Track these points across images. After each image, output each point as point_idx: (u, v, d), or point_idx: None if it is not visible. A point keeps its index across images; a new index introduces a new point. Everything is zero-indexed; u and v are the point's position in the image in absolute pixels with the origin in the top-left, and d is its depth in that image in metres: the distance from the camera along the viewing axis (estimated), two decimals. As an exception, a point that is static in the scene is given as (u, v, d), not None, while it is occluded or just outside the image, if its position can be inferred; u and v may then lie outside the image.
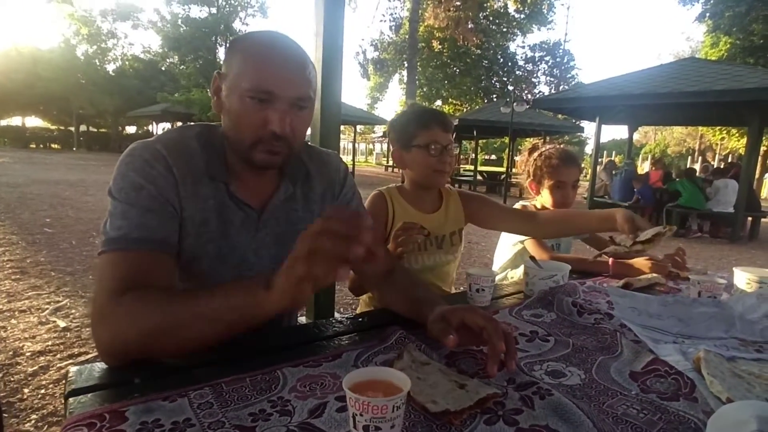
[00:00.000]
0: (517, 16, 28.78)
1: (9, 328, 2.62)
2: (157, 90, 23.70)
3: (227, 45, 0.95)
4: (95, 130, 30.18)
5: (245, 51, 0.82)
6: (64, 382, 0.89)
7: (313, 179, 1.01)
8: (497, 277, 1.77)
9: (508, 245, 1.76)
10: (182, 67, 29.07)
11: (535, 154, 1.78)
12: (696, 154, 32.97)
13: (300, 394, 0.63)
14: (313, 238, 0.59)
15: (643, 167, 16.22)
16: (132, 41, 46.83)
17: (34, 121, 31.09)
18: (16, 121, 30.07)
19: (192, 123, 0.95)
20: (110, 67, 29.80)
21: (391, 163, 25.99)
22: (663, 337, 0.91)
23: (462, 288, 1.40)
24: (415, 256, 1.43)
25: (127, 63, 30.42)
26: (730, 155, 24.79)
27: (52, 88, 24.18)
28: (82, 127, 29.03)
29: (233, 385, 0.64)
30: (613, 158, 14.95)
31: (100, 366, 0.69)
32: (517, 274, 1.71)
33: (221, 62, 0.88)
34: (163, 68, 30.29)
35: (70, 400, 0.59)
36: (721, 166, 10.41)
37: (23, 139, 27.24)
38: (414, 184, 1.44)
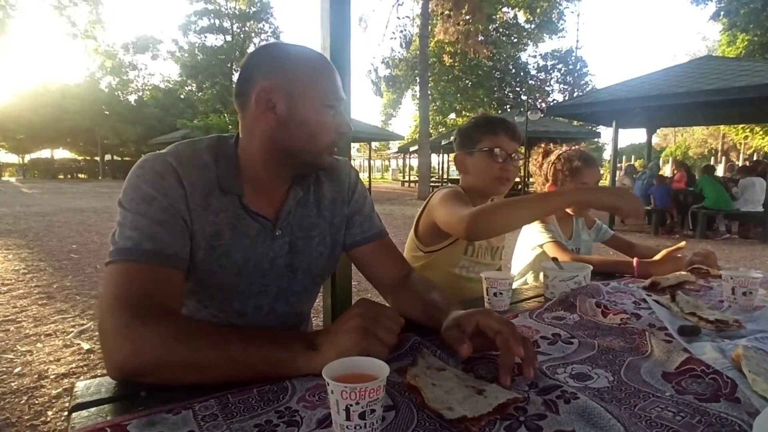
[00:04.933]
0: (527, 26, 28.81)
1: (35, 351, 2.66)
2: (177, 117, 24.45)
3: (263, 55, 0.88)
4: (119, 158, 31.20)
5: (307, 64, 0.86)
6: (69, 396, 0.88)
7: (324, 185, 1.00)
8: (516, 283, 1.71)
9: (526, 249, 1.71)
10: (200, 93, 29.94)
11: (552, 158, 1.74)
12: (719, 154, 32.07)
13: (308, 404, 0.60)
14: (371, 319, 0.68)
15: (664, 170, 15.81)
16: (152, 71, 48.53)
17: (61, 153, 32.44)
18: (45, 153, 31.39)
19: (202, 136, 0.94)
20: (132, 98, 30.92)
21: (407, 178, 26.01)
22: (697, 337, 0.85)
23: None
24: (477, 266, 1.42)
25: (147, 93, 31.50)
26: (755, 154, 24.05)
27: (79, 120, 25.19)
28: (107, 157, 30.07)
29: (239, 396, 0.62)
30: (632, 162, 14.62)
31: (105, 380, 0.67)
32: (539, 279, 1.66)
33: (254, 77, 0.84)
34: (181, 96, 31.26)
35: (74, 414, 0.57)
36: (747, 164, 10.04)
37: (52, 171, 28.35)
38: (472, 189, 1.38)
